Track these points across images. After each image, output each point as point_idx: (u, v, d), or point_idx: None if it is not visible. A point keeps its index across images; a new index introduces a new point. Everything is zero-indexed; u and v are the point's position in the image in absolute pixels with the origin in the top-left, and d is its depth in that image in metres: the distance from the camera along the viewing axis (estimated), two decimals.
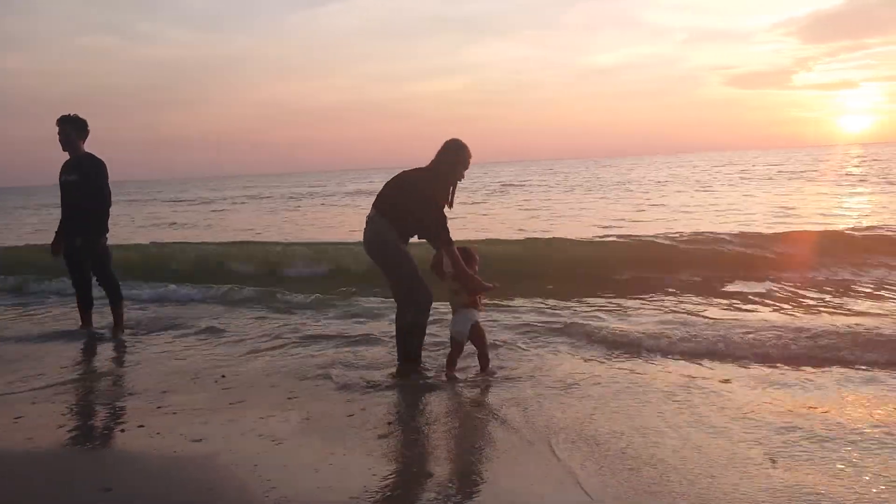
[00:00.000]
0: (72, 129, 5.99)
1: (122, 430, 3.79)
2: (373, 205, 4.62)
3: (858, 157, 49.06)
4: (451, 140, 4.62)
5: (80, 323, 6.34)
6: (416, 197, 4.51)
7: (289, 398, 4.25)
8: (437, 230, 4.45)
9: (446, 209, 4.55)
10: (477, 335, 4.57)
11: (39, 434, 3.73)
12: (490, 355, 4.69)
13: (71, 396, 4.51)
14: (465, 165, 4.60)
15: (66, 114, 6.03)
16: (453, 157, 4.57)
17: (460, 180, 4.63)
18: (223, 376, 4.77)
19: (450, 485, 2.98)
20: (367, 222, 4.62)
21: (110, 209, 6.09)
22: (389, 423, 3.76)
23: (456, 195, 4.64)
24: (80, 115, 6.07)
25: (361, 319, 6.54)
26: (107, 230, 6.10)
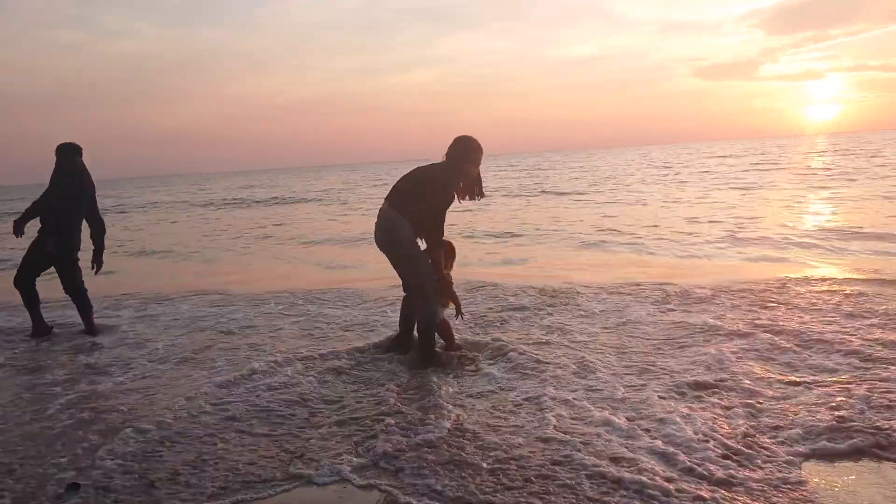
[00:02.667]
0: (74, 149, 6.00)
1: None
2: (386, 197, 4.72)
3: (823, 150, 48.43)
4: (459, 137, 4.71)
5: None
6: (428, 190, 4.61)
7: None
8: (438, 228, 4.64)
9: (474, 201, 4.83)
10: (442, 329, 4.88)
11: None
12: None
13: None
14: (476, 162, 4.70)
15: (63, 143, 6.02)
16: (461, 154, 4.67)
17: (474, 175, 4.74)
18: None
19: None
20: (379, 214, 4.72)
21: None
22: None
23: (484, 185, 4.89)
24: (75, 143, 6.06)
25: None
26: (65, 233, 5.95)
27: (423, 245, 4.71)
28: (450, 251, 4.92)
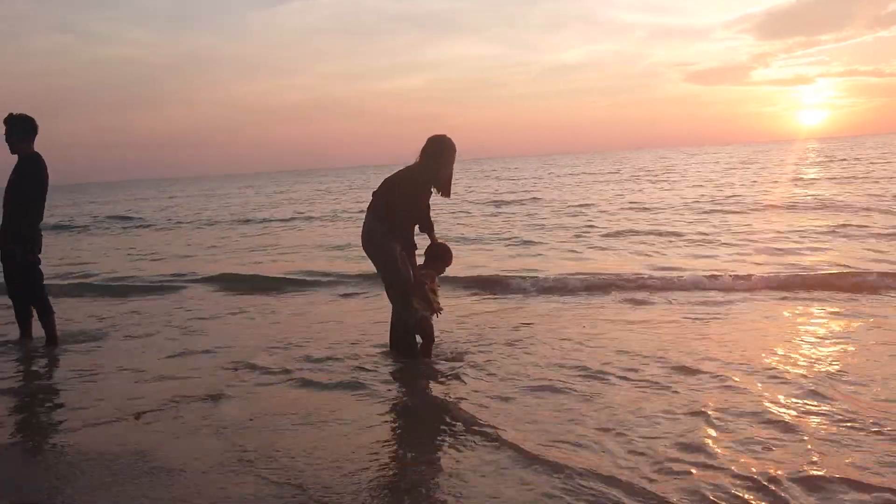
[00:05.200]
0: (18, 128, 5.74)
1: None
2: (368, 205, 4.95)
3: (815, 157, 47.40)
4: (431, 137, 4.88)
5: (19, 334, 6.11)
6: (402, 192, 4.84)
7: None
8: (423, 219, 4.96)
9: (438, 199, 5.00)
10: (422, 330, 4.96)
11: None
12: None
13: None
14: (450, 161, 4.88)
15: (12, 112, 5.77)
16: (437, 154, 4.84)
17: (449, 173, 4.91)
18: None
19: None
20: (364, 222, 4.96)
21: (38, 218, 5.80)
22: None
23: (453, 184, 5.03)
24: (28, 115, 5.80)
25: None
26: (28, 240, 5.77)
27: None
28: (444, 254, 5.07)
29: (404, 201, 4.84)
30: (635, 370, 4.49)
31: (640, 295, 7.09)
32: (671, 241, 11.30)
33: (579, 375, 4.44)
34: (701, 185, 23.99)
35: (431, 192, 4.96)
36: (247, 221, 21.28)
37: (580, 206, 19.01)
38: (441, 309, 5.04)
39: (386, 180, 4.95)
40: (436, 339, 5.06)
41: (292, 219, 21.18)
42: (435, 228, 5.22)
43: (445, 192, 4.97)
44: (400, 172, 4.98)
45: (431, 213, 5.13)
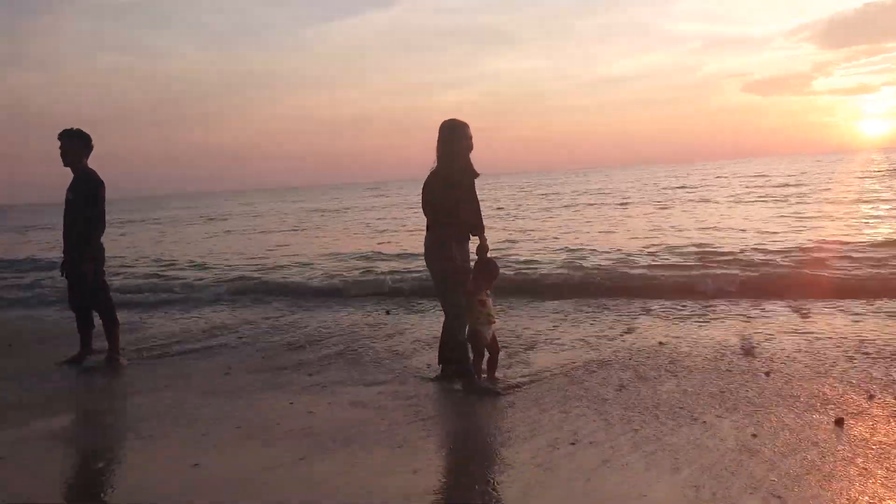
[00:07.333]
0: (73, 143, 5.78)
1: None
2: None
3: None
4: (442, 124, 4.73)
5: (80, 347, 6.01)
6: (437, 198, 4.65)
7: None
8: (473, 213, 4.72)
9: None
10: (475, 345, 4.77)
11: None
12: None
13: None
14: (466, 135, 4.68)
15: (69, 128, 5.81)
16: (450, 135, 4.68)
17: (468, 148, 4.72)
18: None
19: None
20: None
21: (97, 232, 5.77)
22: None
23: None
24: (84, 130, 5.84)
25: None
26: (94, 253, 5.78)
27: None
28: (490, 269, 4.81)
29: (443, 208, 4.65)
30: None
31: None
32: None
33: None
34: None
35: (471, 184, 4.76)
36: None
37: None
38: (494, 321, 4.82)
39: (422, 193, 4.79)
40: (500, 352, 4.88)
41: None
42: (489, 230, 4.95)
43: (472, 173, 4.76)
44: (427, 182, 4.77)
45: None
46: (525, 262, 11.15)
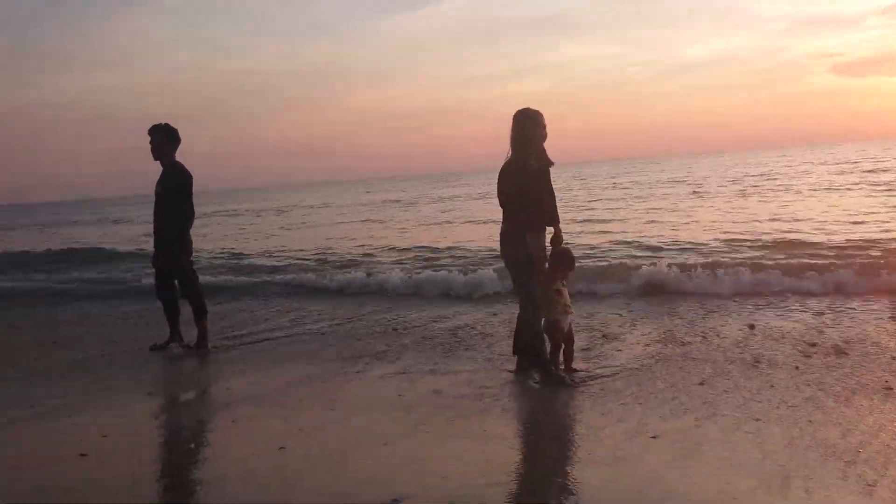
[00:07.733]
0: (162, 138, 6.05)
1: None
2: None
3: None
4: (515, 114, 4.71)
5: (168, 335, 6.27)
6: (514, 190, 4.66)
7: None
8: (549, 204, 4.71)
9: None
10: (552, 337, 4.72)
11: None
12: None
13: None
14: (539, 123, 4.68)
15: (157, 123, 6.10)
16: (523, 124, 4.68)
17: (543, 136, 4.71)
18: None
19: None
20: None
21: (188, 223, 6.03)
22: None
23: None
24: (171, 125, 6.11)
25: None
26: (183, 245, 6.05)
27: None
28: (566, 261, 4.79)
29: (521, 197, 4.65)
30: None
31: None
32: None
33: None
34: None
35: (547, 173, 4.71)
36: None
37: None
38: (571, 312, 4.76)
39: (498, 184, 4.82)
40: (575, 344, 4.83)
41: None
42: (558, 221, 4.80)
43: (547, 162, 4.73)
44: (502, 172, 4.77)
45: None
46: (611, 252, 10.97)
